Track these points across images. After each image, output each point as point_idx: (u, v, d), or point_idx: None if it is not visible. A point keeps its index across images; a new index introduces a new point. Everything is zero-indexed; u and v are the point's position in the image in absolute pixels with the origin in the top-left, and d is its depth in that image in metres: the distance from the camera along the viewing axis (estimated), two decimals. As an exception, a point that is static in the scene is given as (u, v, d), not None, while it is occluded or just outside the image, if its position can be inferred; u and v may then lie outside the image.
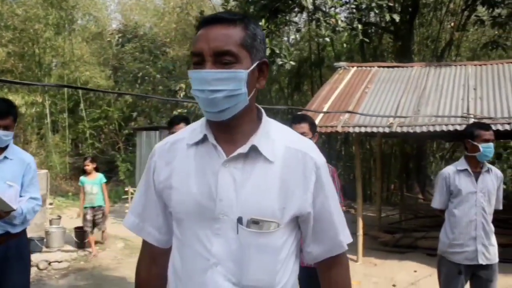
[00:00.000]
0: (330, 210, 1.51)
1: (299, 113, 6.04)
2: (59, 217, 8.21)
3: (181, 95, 15.64)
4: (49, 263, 6.65)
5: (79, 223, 8.73)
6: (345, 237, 1.57)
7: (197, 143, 1.47)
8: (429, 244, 7.75)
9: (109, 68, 18.73)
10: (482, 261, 3.72)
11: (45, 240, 7.27)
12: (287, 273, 1.49)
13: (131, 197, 11.13)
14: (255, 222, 1.39)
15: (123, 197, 11.87)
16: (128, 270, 6.60)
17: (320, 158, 1.50)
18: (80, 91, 17.37)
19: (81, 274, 6.34)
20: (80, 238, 7.52)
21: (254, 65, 1.41)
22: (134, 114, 18.90)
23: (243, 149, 1.41)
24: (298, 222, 1.50)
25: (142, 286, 1.62)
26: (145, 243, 1.62)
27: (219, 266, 1.40)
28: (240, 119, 1.43)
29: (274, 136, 1.47)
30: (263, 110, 1.53)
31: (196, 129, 1.51)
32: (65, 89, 17.19)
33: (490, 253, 3.76)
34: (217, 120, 1.41)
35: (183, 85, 16.32)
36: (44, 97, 17.28)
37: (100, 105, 18.76)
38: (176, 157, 1.49)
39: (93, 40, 19.98)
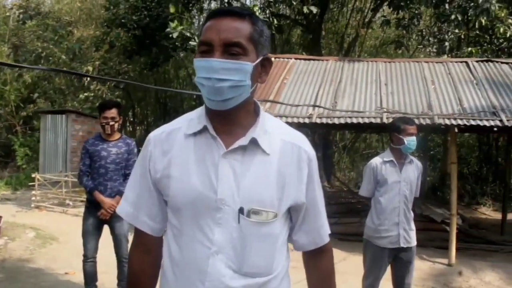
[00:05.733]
0: (317, 201, 1.62)
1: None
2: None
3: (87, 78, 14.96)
4: (-49, 256, 6.14)
5: (-20, 212, 8.14)
6: (327, 228, 1.69)
7: (195, 134, 1.50)
8: (340, 230, 8.21)
9: (8, 45, 17.35)
10: (403, 244, 4.07)
11: None
12: (282, 260, 1.58)
13: (38, 184, 10.51)
14: (255, 213, 1.46)
15: (30, 184, 11.14)
16: (43, 260, 6.27)
17: (312, 151, 1.59)
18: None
19: (-9, 267, 5.92)
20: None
21: (259, 59, 1.47)
22: (35, 95, 17.71)
23: (244, 141, 1.46)
24: (290, 212, 1.58)
25: (137, 275, 1.63)
26: (138, 232, 1.61)
27: (220, 254, 1.45)
28: (240, 111, 1.49)
29: (270, 129, 1.53)
30: (260, 105, 1.60)
31: (193, 119, 1.54)
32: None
33: (410, 236, 4.12)
34: (218, 110, 1.45)
35: (90, 68, 15.61)
36: None
37: (-7, 85, 17.34)
38: (174, 147, 1.51)
39: (-15, 14, 18.39)
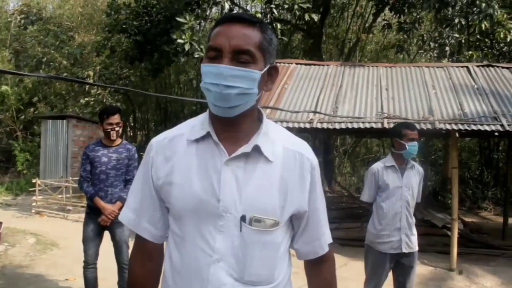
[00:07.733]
0: (319, 209, 1.61)
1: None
2: (-42, 212, 7.54)
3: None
4: (-49, 262, 6.11)
5: (-19, 217, 8.11)
6: (328, 237, 1.67)
7: (198, 140, 1.49)
8: (341, 235, 8.18)
9: (9, 50, 17.37)
10: (405, 249, 4.05)
11: None
12: (284, 268, 1.57)
13: (39, 190, 10.49)
14: (257, 220, 1.45)
15: (31, 189, 11.12)
16: (43, 267, 6.24)
17: (314, 159, 1.58)
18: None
19: (-10, 274, 5.89)
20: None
21: (266, 68, 1.46)
22: (35, 100, 17.71)
23: (247, 148, 1.45)
24: (292, 220, 1.57)
25: (137, 281, 1.62)
26: (140, 239, 1.60)
27: (221, 262, 1.44)
28: (244, 118, 1.48)
29: (273, 136, 1.52)
30: (263, 112, 1.59)
31: (196, 125, 1.53)
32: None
33: (412, 242, 4.10)
34: (224, 116, 1.44)
35: (91, 73, 15.64)
36: None
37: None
38: (177, 153, 1.50)
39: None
